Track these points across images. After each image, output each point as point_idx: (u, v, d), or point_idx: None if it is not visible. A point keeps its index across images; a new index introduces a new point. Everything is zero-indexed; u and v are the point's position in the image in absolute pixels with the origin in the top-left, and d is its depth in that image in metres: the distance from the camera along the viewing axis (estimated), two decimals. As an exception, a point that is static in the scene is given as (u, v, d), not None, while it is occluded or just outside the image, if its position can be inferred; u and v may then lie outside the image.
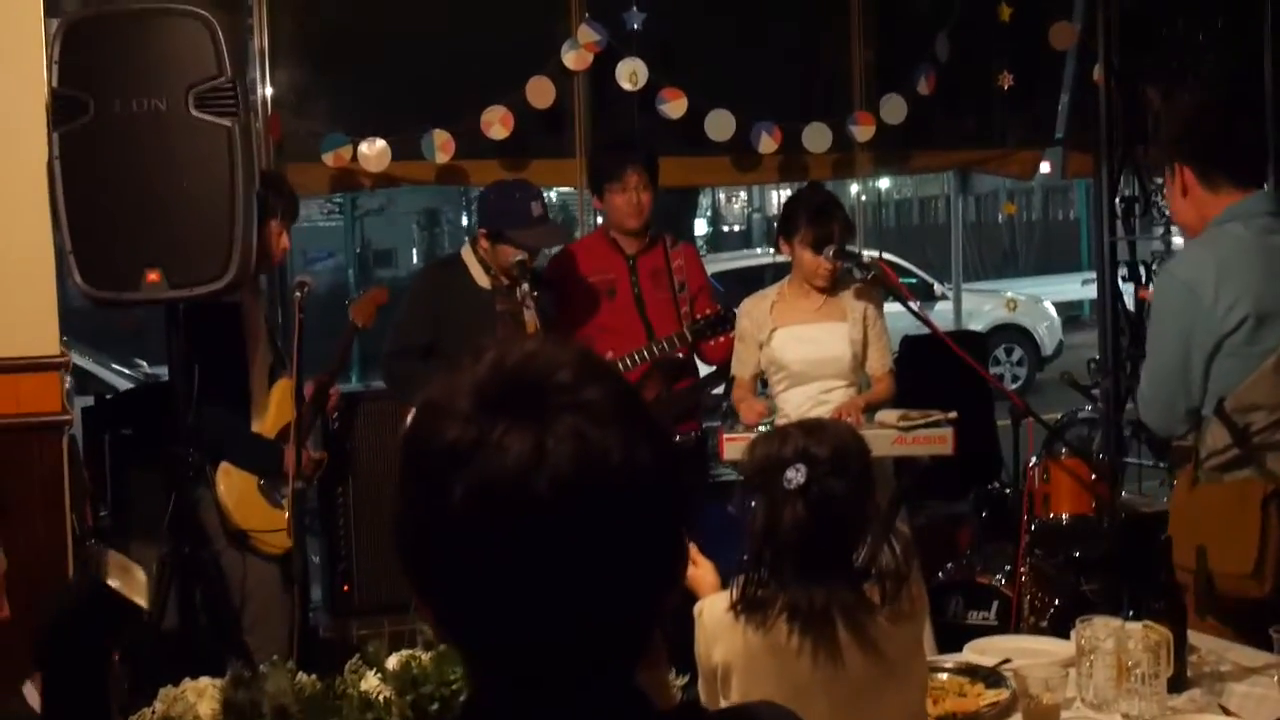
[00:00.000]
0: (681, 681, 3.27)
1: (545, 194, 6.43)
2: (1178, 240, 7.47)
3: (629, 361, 5.76)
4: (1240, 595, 4.04)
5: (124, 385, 11.42)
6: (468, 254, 5.82)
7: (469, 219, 24.70)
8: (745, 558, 2.99)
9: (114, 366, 12.61)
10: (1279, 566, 4.07)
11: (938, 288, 17.58)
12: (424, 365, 5.66)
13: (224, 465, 5.23)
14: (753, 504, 2.96)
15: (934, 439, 5.38)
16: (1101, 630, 3.39)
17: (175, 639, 5.33)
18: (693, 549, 3.36)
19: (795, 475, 2.87)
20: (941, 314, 16.05)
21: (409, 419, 1.41)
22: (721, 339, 5.89)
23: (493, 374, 1.39)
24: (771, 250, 18.33)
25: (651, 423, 1.42)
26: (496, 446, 1.32)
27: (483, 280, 5.73)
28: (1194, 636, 3.71)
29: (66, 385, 7.63)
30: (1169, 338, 4.19)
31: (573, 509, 1.32)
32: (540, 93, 6.79)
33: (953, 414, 5.42)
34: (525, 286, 5.54)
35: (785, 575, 2.89)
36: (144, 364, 13.30)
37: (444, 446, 1.35)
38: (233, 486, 5.25)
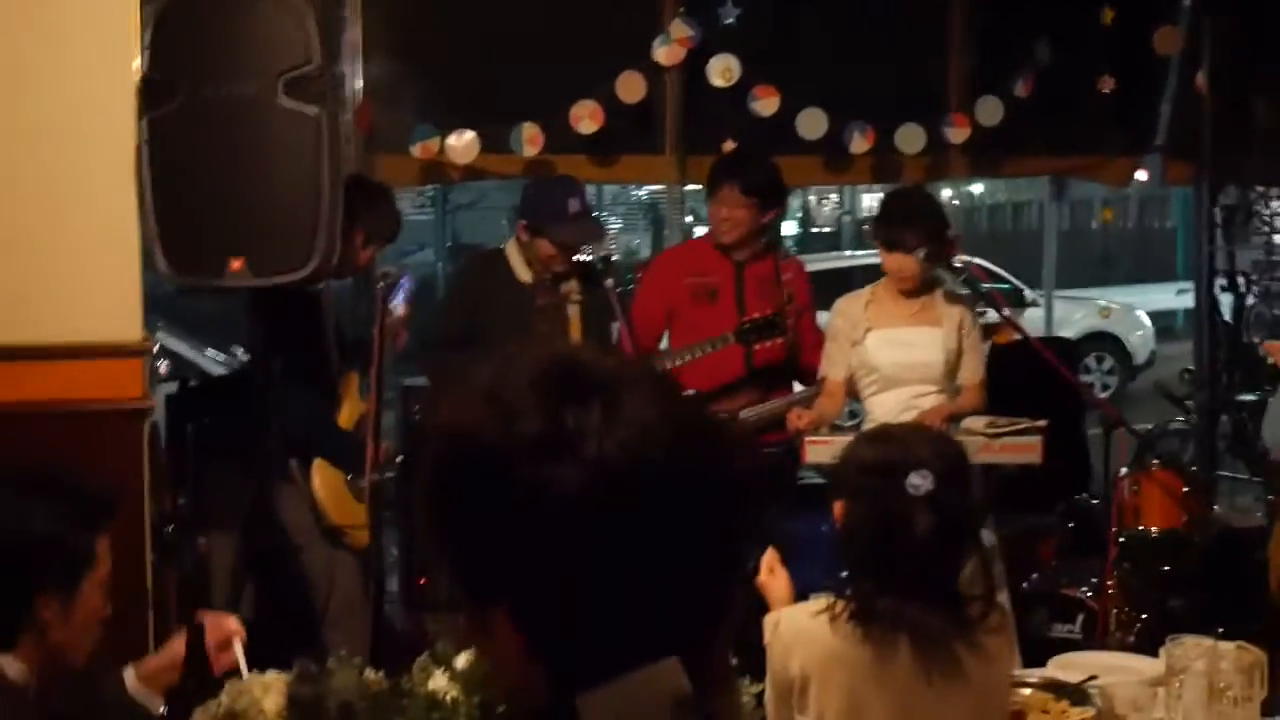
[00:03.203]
0: (754, 689, 3.19)
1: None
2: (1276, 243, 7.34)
3: (670, 362, 5.67)
4: None
5: (219, 371, 11.48)
6: (511, 248, 5.77)
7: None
8: (848, 564, 2.90)
9: (208, 352, 12.66)
10: None
11: (1029, 294, 17.36)
12: (460, 358, 5.58)
13: (319, 461, 5.22)
14: (856, 506, 2.87)
15: (1022, 447, 5.27)
16: (1193, 650, 3.30)
17: (251, 629, 5.35)
18: (772, 555, 3.29)
19: (923, 481, 2.75)
20: (1032, 321, 15.84)
21: (448, 420, 1.36)
22: (768, 343, 5.76)
23: (546, 368, 1.36)
24: (860, 252, 18.27)
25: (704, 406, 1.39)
26: (561, 438, 1.29)
27: (524, 274, 5.68)
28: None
29: (154, 368, 7.67)
30: None
31: (639, 495, 1.30)
32: (631, 88, 6.73)
33: (1041, 422, 5.31)
34: (572, 283, 5.53)
35: (900, 587, 2.78)
36: (240, 351, 13.34)
37: (511, 443, 1.31)
38: (327, 482, 5.25)
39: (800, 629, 2.85)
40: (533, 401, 1.31)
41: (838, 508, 2.93)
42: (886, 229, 5.45)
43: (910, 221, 5.40)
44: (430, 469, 1.37)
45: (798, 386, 6.15)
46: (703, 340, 5.73)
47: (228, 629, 3.26)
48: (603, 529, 1.29)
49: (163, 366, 10.97)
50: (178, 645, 3.16)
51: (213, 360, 12.49)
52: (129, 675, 3.17)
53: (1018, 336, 6.18)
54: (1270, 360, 6.26)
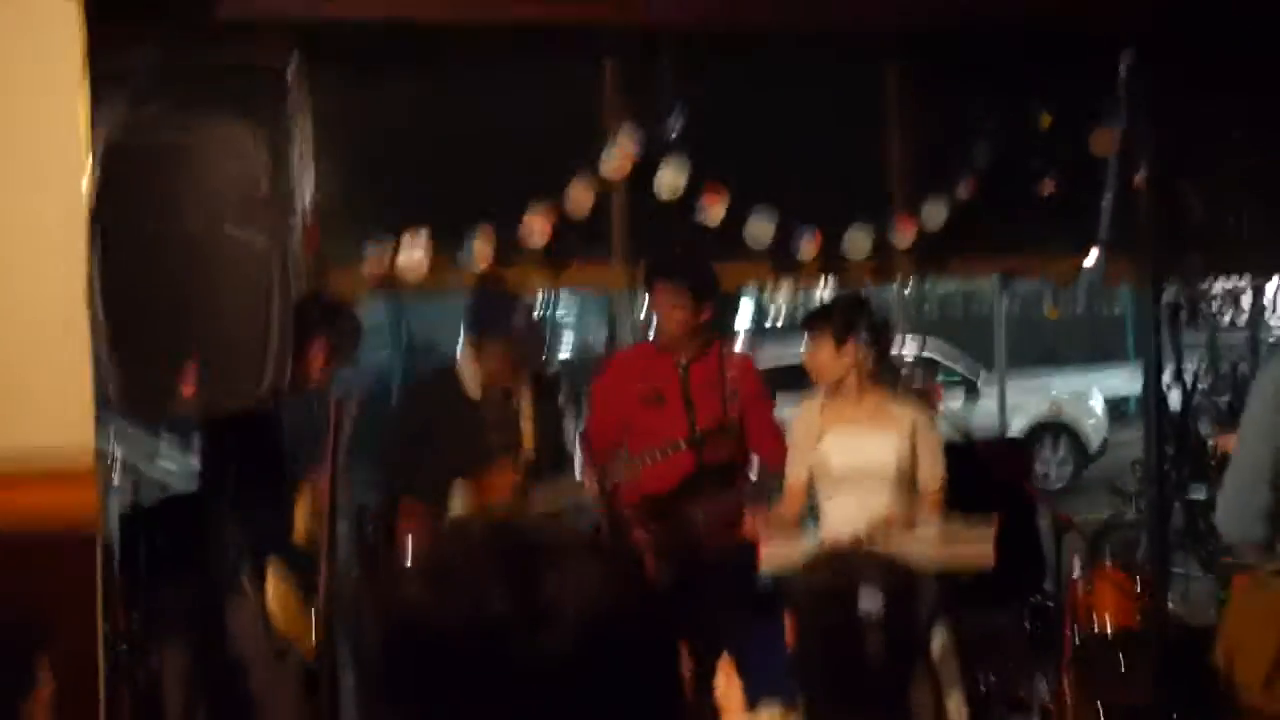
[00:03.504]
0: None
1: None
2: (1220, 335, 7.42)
3: (622, 472, 5.72)
4: (1254, 708, 3.95)
5: (171, 481, 11.41)
6: (463, 363, 5.81)
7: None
8: (801, 683, 2.91)
9: (160, 463, 12.59)
10: None
11: (981, 384, 17.43)
12: (415, 454, 5.73)
13: (273, 571, 5.21)
14: (808, 631, 2.88)
15: (975, 554, 5.30)
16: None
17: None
18: (726, 662, 3.29)
19: (873, 605, 2.78)
20: (985, 411, 15.90)
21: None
22: (722, 452, 5.84)
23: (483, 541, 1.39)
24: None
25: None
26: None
27: (475, 392, 5.72)
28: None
29: (107, 480, 7.64)
30: (1255, 434, 4.14)
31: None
32: (579, 200, 6.76)
33: (994, 516, 5.33)
34: (525, 396, 5.58)
35: (853, 708, 2.79)
36: (194, 460, 13.25)
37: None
38: (278, 590, 5.24)
39: (752, 752, 2.87)
40: (467, 580, 1.34)
41: (788, 628, 2.95)
42: (807, 323, 5.58)
43: (823, 317, 5.54)
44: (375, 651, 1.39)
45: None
46: (651, 448, 5.79)
47: None
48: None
49: (116, 478, 10.87)
50: None
51: (164, 470, 12.43)
52: None
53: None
54: (1218, 454, 6.33)
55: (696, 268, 6.10)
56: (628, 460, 5.81)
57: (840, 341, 5.48)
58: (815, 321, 5.57)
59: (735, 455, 6.04)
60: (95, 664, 4.81)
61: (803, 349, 5.60)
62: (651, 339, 6.36)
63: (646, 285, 6.04)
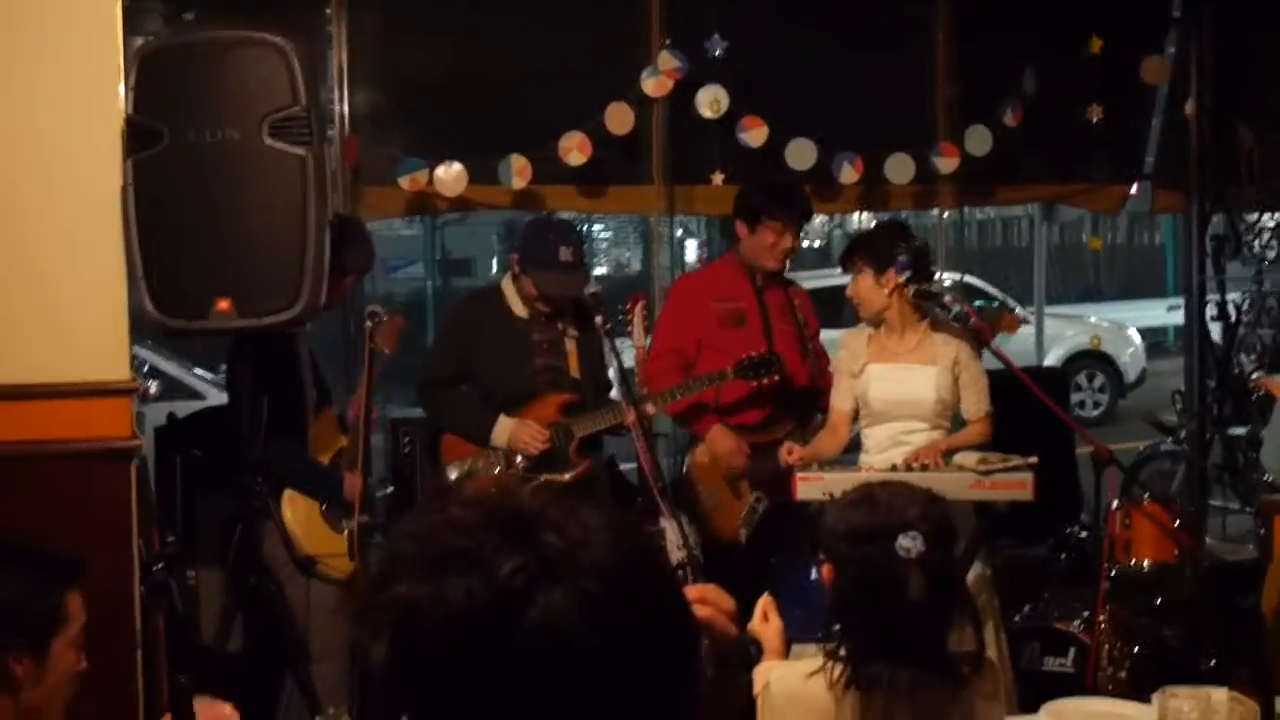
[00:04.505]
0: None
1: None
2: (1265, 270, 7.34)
3: (665, 399, 5.70)
4: None
5: (212, 393, 11.45)
6: (507, 284, 5.78)
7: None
8: (841, 628, 2.87)
9: (197, 371, 12.64)
10: None
11: (1019, 311, 17.31)
12: (457, 393, 5.70)
13: (288, 493, 5.21)
14: (845, 572, 2.83)
15: (1013, 484, 5.24)
16: (1186, 701, 3.27)
17: (240, 663, 5.33)
18: (766, 601, 3.26)
19: (913, 544, 2.71)
20: (1023, 340, 15.81)
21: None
22: (765, 381, 5.78)
23: (483, 513, 1.32)
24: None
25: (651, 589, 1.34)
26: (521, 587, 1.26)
27: (520, 309, 5.68)
28: (1282, 706, 3.58)
29: (144, 389, 7.62)
30: None
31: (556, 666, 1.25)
32: (619, 119, 6.71)
33: (1033, 459, 5.29)
34: (569, 318, 5.57)
35: (894, 650, 2.74)
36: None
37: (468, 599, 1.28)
38: (298, 512, 5.24)
39: (793, 692, 2.82)
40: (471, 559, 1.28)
41: (825, 571, 2.90)
42: (847, 255, 5.50)
43: (859, 248, 5.49)
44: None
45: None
46: (697, 377, 5.75)
47: (221, 717, 3.24)
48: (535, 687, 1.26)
49: (153, 387, 10.93)
50: None
51: (201, 380, 12.47)
52: None
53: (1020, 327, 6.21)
54: (1260, 393, 6.25)
55: (804, 200, 6.05)
56: (660, 395, 5.75)
57: (880, 271, 5.40)
58: (855, 251, 5.49)
59: (808, 382, 6.04)
60: (130, 584, 4.81)
61: (847, 280, 5.51)
62: (730, 257, 6.27)
63: (748, 218, 5.94)
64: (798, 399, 6.03)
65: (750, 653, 2.94)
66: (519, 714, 1.26)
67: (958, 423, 5.56)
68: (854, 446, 5.75)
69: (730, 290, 6.03)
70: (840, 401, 5.60)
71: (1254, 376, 6.89)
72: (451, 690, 1.27)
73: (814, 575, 3.07)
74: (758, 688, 3.01)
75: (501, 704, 1.26)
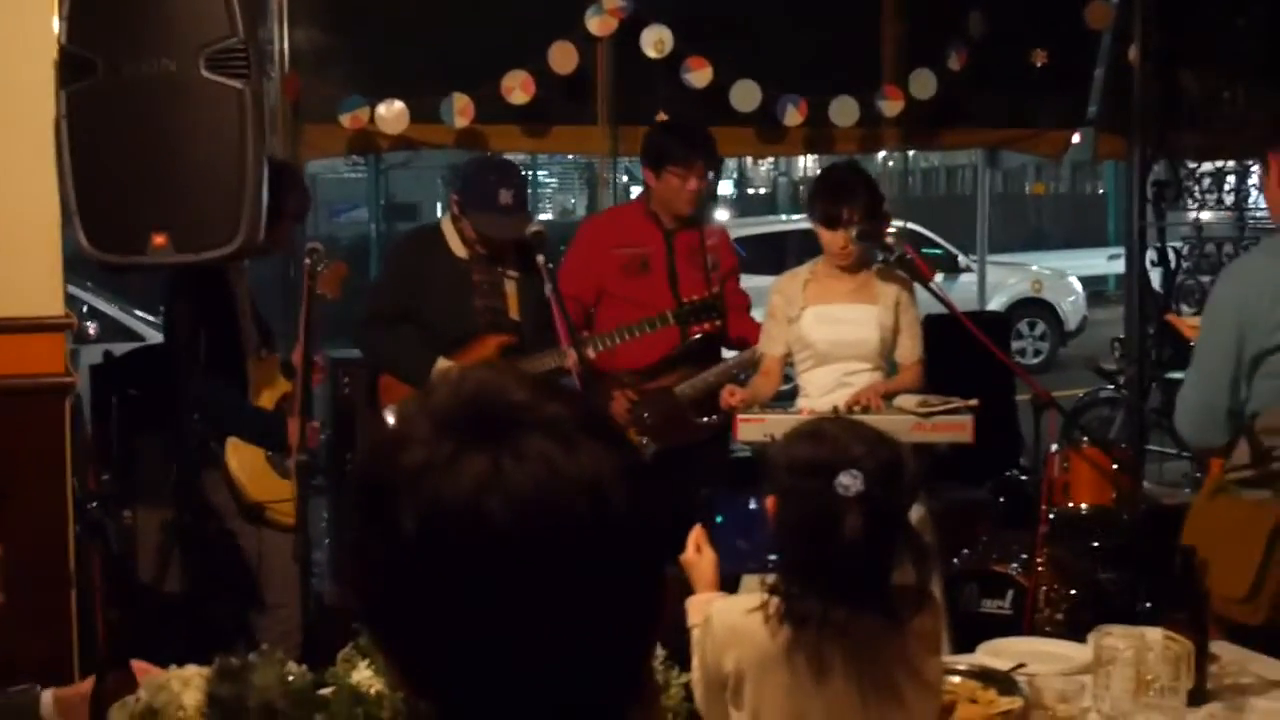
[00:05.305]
0: (682, 680, 3.16)
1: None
2: (1204, 217, 7.37)
3: (607, 342, 5.64)
4: (1232, 620, 3.93)
5: (151, 334, 11.34)
6: (446, 224, 5.71)
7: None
8: (777, 561, 2.85)
9: (137, 313, 12.51)
10: (1276, 598, 3.98)
11: (962, 259, 17.41)
12: (395, 333, 5.59)
13: (232, 440, 5.16)
14: (786, 505, 2.82)
15: (953, 426, 5.26)
16: (1121, 640, 3.29)
17: (178, 604, 5.29)
18: (699, 533, 3.25)
19: (853, 482, 2.69)
20: (965, 287, 15.90)
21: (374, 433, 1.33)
22: (706, 325, 5.75)
23: (450, 399, 1.30)
24: (795, 217, 18.28)
25: (624, 443, 1.33)
26: (447, 468, 1.23)
27: (460, 250, 5.62)
28: (1216, 644, 3.61)
29: (82, 329, 7.53)
30: (1219, 341, 4.09)
31: (534, 535, 1.22)
32: (563, 58, 6.65)
33: (973, 401, 5.30)
34: (509, 258, 5.51)
35: (830, 588, 2.73)
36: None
37: (395, 473, 1.26)
38: (244, 460, 5.18)
39: (733, 627, 2.81)
40: (419, 436, 1.27)
41: (769, 503, 2.88)
42: (825, 206, 5.41)
43: (849, 199, 5.36)
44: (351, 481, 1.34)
45: (726, 354, 6.14)
46: (639, 321, 5.70)
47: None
48: (488, 574, 1.24)
49: (91, 328, 10.82)
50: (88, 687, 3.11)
51: (141, 321, 12.34)
52: (46, 698, 3.11)
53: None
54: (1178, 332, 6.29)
55: (708, 142, 5.99)
56: (604, 335, 5.71)
57: (839, 222, 5.35)
58: (838, 205, 5.39)
59: (716, 328, 5.95)
60: (65, 522, 4.77)
61: (826, 230, 5.43)
62: (638, 202, 6.23)
63: (669, 159, 5.88)
64: (692, 346, 5.98)
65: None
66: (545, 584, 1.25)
67: (891, 369, 5.56)
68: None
69: (635, 236, 5.99)
70: (771, 347, 5.57)
71: (1166, 317, 6.94)
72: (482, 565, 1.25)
73: (753, 505, 3.06)
74: (695, 624, 3.01)
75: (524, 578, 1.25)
